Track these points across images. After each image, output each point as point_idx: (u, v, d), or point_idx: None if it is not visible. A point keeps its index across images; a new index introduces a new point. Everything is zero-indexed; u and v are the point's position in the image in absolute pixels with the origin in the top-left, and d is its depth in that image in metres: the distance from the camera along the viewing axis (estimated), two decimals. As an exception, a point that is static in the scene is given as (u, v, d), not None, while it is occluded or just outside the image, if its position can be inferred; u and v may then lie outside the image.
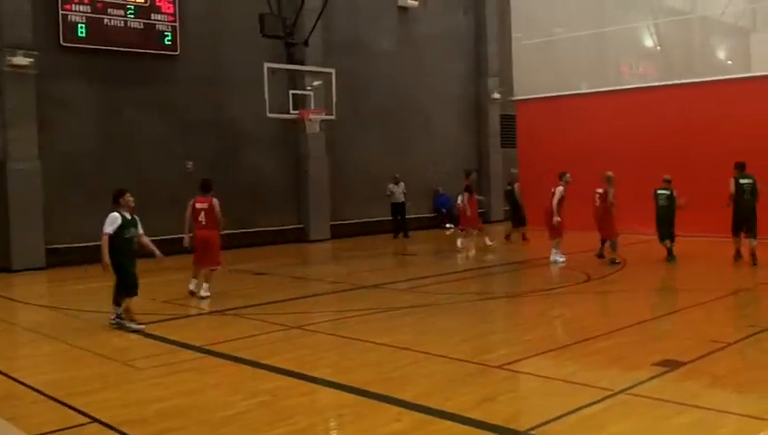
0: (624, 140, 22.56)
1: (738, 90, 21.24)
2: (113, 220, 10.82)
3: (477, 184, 22.08)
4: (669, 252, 16.49)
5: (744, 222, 15.78)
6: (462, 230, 21.20)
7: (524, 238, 21.89)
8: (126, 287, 10.88)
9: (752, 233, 15.66)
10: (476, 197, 21.09)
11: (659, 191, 16.62)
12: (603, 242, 17.17)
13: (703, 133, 21.25)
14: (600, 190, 16.93)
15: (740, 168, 15.98)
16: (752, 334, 9.27)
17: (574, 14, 25.87)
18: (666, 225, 16.52)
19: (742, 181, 15.83)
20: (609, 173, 16.95)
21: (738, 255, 15.93)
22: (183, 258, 19.66)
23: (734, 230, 15.99)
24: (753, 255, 15.51)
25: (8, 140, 18.14)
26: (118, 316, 10.94)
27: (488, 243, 20.97)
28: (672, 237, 16.55)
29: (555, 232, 16.70)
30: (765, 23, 25.25)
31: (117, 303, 11.03)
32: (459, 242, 20.95)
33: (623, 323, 10.39)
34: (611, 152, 21.96)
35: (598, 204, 16.97)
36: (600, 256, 17.13)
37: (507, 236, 22.21)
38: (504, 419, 6.50)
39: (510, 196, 22.44)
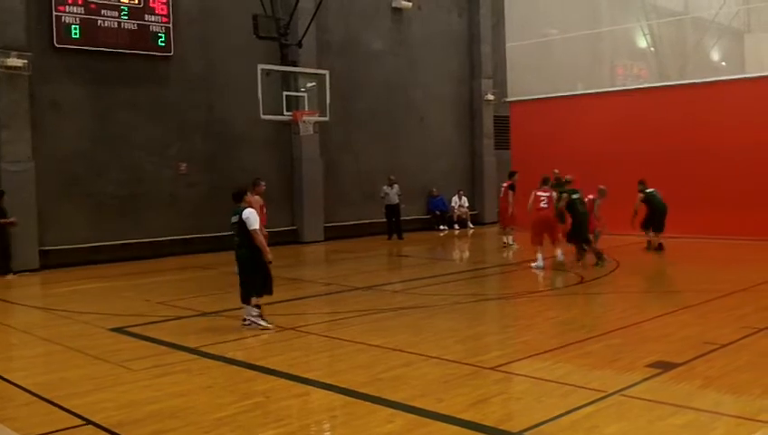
0: (618, 141, 22.60)
1: (732, 90, 21.29)
2: (255, 216, 10.60)
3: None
4: (599, 255, 16.69)
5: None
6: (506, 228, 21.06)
7: None
8: (265, 284, 10.75)
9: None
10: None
11: (576, 196, 16.83)
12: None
13: (697, 134, 21.29)
14: (591, 197, 17.57)
15: (558, 184, 17.21)
16: (745, 336, 9.29)
17: (568, 16, 25.93)
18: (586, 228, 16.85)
19: (574, 197, 16.72)
20: (602, 187, 17.67)
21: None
22: (176, 259, 19.74)
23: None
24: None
25: (2, 142, 18.08)
26: (252, 316, 10.70)
27: (510, 242, 20.79)
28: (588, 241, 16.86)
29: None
30: (759, 24, 25.33)
31: (247, 301, 10.78)
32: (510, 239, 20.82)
33: (616, 325, 10.43)
34: (605, 153, 22.04)
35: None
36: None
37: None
38: (497, 420, 6.51)
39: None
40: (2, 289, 15.97)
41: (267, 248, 10.64)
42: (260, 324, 10.60)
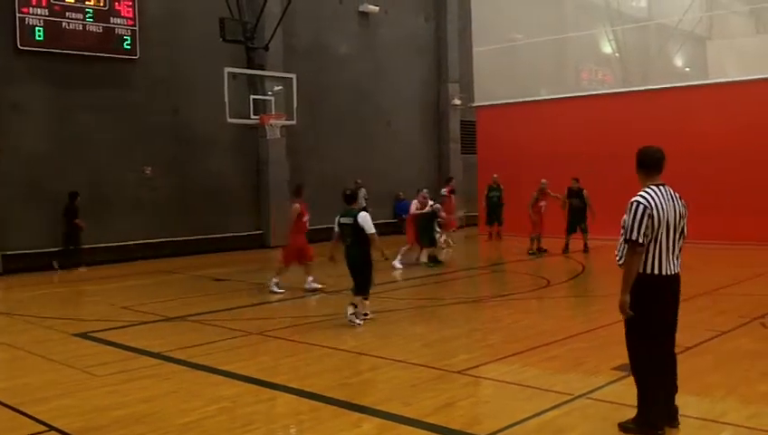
0: (583, 146, 22.77)
1: (695, 97, 21.55)
2: (370, 219, 11.01)
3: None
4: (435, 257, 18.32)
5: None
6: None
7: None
8: (363, 286, 11.16)
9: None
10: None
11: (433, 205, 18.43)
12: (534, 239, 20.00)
13: (660, 139, 21.38)
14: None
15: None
16: (708, 339, 9.41)
17: (534, 21, 26.11)
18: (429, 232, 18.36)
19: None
20: (543, 181, 20.23)
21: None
22: (141, 264, 19.56)
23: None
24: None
25: (-37, 144, 17.85)
26: (359, 313, 11.13)
27: (451, 243, 21.93)
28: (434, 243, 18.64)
29: None
30: (721, 31, 25.68)
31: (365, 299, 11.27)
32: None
33: (582, 328, 10.51)
34: (570, 157, 22.17)
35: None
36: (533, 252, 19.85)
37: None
38: (464, 424, 6.53)
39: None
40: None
41: (383, 248, 11.28)
42: (355, 322, 10.94)
